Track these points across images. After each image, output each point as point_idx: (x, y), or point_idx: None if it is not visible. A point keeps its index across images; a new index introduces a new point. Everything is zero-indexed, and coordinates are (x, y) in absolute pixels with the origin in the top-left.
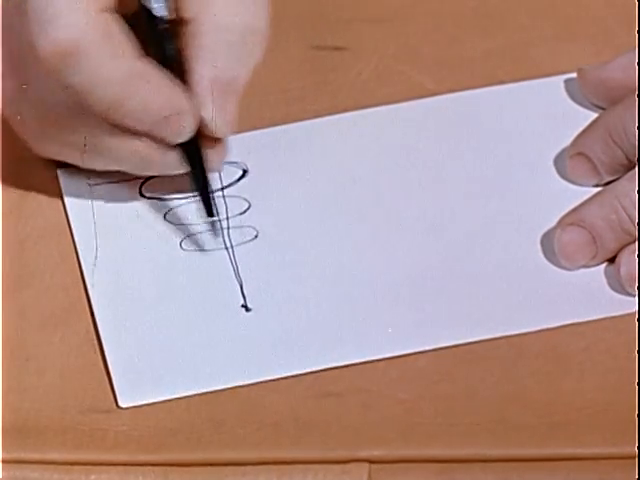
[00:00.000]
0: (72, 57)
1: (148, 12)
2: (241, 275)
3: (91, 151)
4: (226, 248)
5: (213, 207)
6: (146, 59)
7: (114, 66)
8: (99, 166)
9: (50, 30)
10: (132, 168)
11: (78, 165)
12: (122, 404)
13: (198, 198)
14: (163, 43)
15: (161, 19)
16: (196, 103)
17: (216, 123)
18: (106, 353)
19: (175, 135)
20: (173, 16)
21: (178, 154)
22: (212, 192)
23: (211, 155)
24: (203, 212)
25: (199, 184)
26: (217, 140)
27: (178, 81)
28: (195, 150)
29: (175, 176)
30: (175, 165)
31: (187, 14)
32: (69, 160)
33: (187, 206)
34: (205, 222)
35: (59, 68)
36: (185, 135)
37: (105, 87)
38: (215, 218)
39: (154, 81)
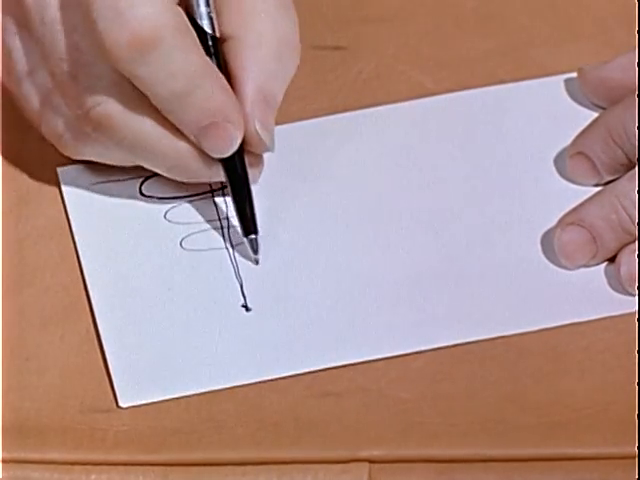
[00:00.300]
0: (148, 47)
1: (198, 27)
2: (241, 275)
3: (134, 146)
4: (226, 247)
5: (252, 224)
6: (207, 57)
7: (185, 60)
8: (135, 160)
9: (126, 20)
10: (168, 169)
11: (107, 162)
12: (122, 404)
13: (236, 214)
14: (212, 58)
15: (212, 36)
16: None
17: (264, 137)
18: (106, 353)
19: (222, 145)
20: (218, 34)
21: (220, 166)
22: (253, 208)
23: (251, 170)
24: (241, 229)
25: (241, 198)
26: (257, 155)
27: (232, 90)
28: (239, 163)
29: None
30: (214, 175)
31: (227, 31)
32: (101, 158)
33: (187, 205)
34: (245, 239)
35: (133, 58)
36: (231, 146)
37: (174, 80)
38: (253, 236)
39: (217, 82)
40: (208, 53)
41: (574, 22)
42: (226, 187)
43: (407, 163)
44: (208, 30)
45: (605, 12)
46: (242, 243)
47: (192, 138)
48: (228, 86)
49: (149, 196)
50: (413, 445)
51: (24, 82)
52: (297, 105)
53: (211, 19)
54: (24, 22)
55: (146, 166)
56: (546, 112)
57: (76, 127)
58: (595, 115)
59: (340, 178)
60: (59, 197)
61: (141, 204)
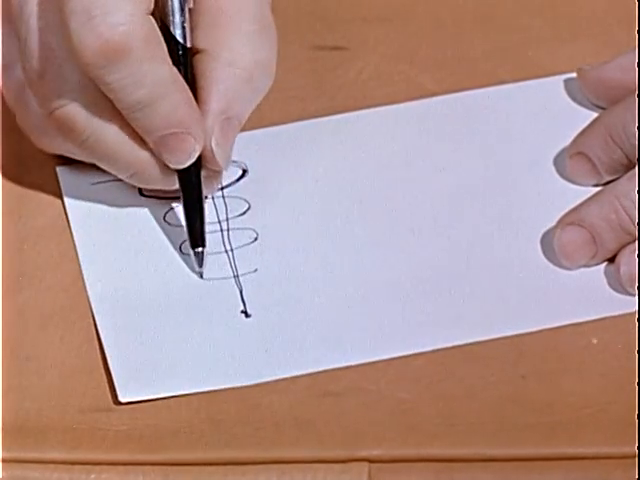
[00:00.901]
0: (117, 55)
1: (171, 36)
2: (241, 280)
3: (95, 150)
4: (226, 251)
5: (200, 237)
6: (175, 69)
7: (152, 70)
8: (96, 162)
9: (97, 25)
10: (128, 176)
11: (76, 158)
12: (122, 399)
13: (185, 226)
14: (180, 68)
15: (183, 46)
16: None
17: (219, 156)
18: (106, 351)
19: (179, 157)
20: (189, 45)
21: (176, 176)
22: (203, 222)
23: (206, 182)
24: (189, 241)
25: (192, 211)
26: (214, 174)
27: (195, 104)
28: (194, 176)
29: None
30: (170, 184)
31: (201, 44)
32: (70, 154)
33: None
34: (191, 251)
35: (101, 64)
36: (189, 158)
37: (140, 88)
38: (199, 249)
39: (183, 94)
40: (178, 63)
41: (574, 22)
42: (226, 187)
43: (407, 163)
44: (180, 39)
45: (605, 12)
46: (242, 246)
47: (152, 146)
48: (193, 99)
49: (149, 196)
50: (413, 445)
51: (3, 74)
52: (297, 105)
53: (184, 29)
54: (7, 15)
55: (107, 170)
56: (546, 112)
57: (44, 124)
58: (595, 115)
59: (340, 179)
60: (59, 197)
61: (140, 205)
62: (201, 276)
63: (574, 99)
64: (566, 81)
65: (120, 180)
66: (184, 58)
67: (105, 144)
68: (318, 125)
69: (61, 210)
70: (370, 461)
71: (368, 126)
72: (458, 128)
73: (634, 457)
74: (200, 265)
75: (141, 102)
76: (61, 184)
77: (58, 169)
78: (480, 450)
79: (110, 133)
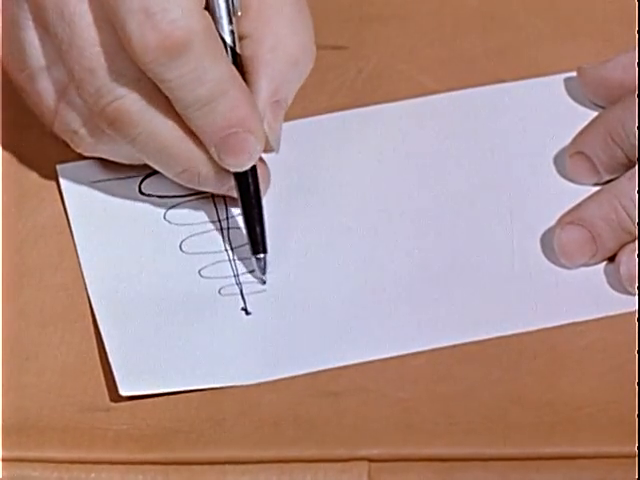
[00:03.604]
0: (178, 51)
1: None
2: (241, 278)
3: (148, 145)
4: (226, 250)
5: (262, 242)
6: (232, 65)
7: (213, 66)
8: (146, 159)
9: (157, 22)
10: (178, 173)
11: (119, 160)
12: (123, 392)
13: (245, 231)
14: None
15: (232, 48)
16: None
17: (272, 139)
18: (106, 348)
19: (240, 157)
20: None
21: (230, 179)
22: (263, 226)
23: (260, 182)
24: (250, 248)
25: (252, 216)
26: (265, 168)
27: (255, 102)
28: (252, 179)
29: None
30: (222, 188)
31: (245, 30)
32: (114, 155)
33: (187, 206)
34: (253, 258)
35: (161, 61)
36: (250, 159)
37: (200, 85)
38: (261, 255)
39: (243, 91)
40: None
41: (574, 22)
42: None
43: (407, 162)
44: (229, 43)
45: (605, 12)
46: (242, 245)
47: (211, 149)
48: (252, 97)
49: (148, 194)
50: (412, 444)
51: (39, 78)
52: (297, 105)
53: (233, 34)
54: (40, 16)
55: (156, 167)
56: (546, 111)
57: (91, 123)
58: (595, 115)
59: (339, 177)
60: (59, 197)
61: (140, 204)
62: (263, 282)
63: (574, 98)
64: (566, 80)
65: (120, 178)
66: (234, 59)
67: (159, 139)
68: (318, 123)
69: (61, 210)
70: (370, 460)
71: (368, 124)
72: (458, 127)
73: (634, 457)
74: (263, 272)
75: (201, 100)
76: (61, 182)
77: (58, 167)
78: (480, 449)
79: (165, 128)
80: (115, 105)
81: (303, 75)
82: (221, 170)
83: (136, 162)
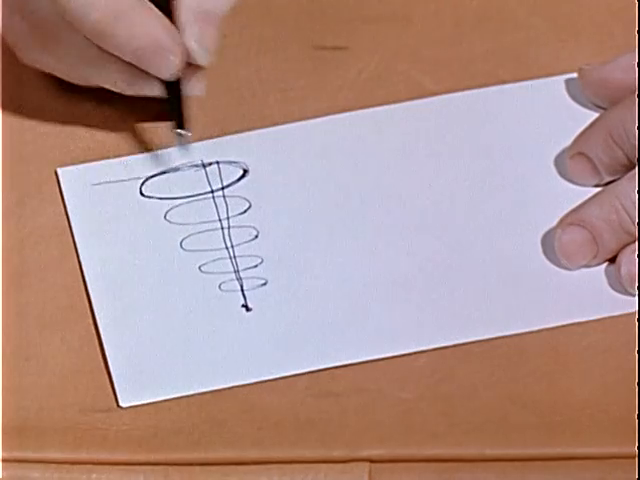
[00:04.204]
0: None
1: None
2: (241, 275)
3: (78, 64)
4: (226, 248)
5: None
6: None
7: None
8: (83, 81)
9: None
10: (114, 86)
11: (63, 77)
12: (123, 404)
13: (170, 108)
14: None
15: None
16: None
17: (196, 51)
18: (106, 353)
19: (158, 70)
20: None
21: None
22: (183, 106)
23: (192, 81)
24: (174, 124)
25: (175, 102)
26: (197, 67)
27: (167, 19)
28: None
29: (175, 171)
30: (156, 89)
31: None
32: (55, 72)
33: (187, 206)
34: (174, 132)
35: None
36: (168, 72)
37: (97, 13)
38: (182, 131)
39: (144, 14)
40: None
41: (574, 22)
42: (226, 187)
43: (407, 163)
44: None
45: (605, 12)
46: (243, 243)
47: (133, 62)
48: (159, 13)
49: (149, 197)
50: (413, 445)
51: None
52: (297, 105)
53: None
54: None
55: (98, 84)
56: (546, 112)
57: (35, 34)
58: (595, 115)
59: (340, 178)
60: (59, 197)
61: (141, 205)
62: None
63: (575, 99)
64: (567, 81)
65: (121, 181)
66: None
67: (84, 58)
68: (318, 125)
69: (61, 210)
70: (371, 461)
71: (368, 126)
72: (458, 128)
73: (634, 457)
74: (185, 149)
75: (99, 24)
76: (62, 185)
77: (59, 170)
78: (480, 450)
79: (89, 49)
80: (40, 29)
81: None
82: (148, 76)
83: (77, 81)
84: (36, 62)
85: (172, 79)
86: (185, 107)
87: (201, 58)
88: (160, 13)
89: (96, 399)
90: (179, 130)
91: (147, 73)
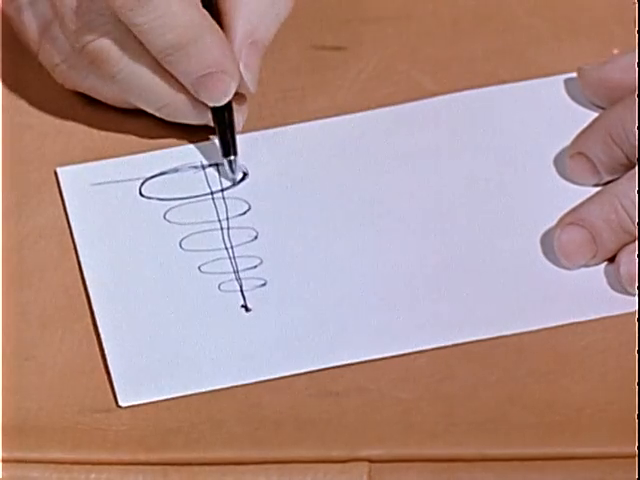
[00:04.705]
0: None
1: None
2: (241, 275)
3: (127, 83)
4: (226, 248)
5: (233, 147)
6: (204, 10)
7: (182, 12)
8: (126, 105)
9: None
10: (158, 111)
11: (106, 101)
12: (122, 403)
13: (218, 138)
14: (208, 9)
15: None
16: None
17: (247, 78)
18: (106, 353)
19: (213, 96)
20: None
21: (208, 111)
22: (234, 133)
23: (237, 115)
24: (221, 150)
25: (223, 125)
26: (242, 98)
27: (229, 45)
28: (227, 107)
29: (174, 172)
30: (202, 119)
31: None
32: (98, 96)
33: (187, 206)
34: (225, 160)
35: (130, 6)
36: (226, 96)
37: (170, 30)
38: (232, 157)
39: (215, 34)
40: (205, 4)
41: (574, 22)
42: (226, 189)
43: (407, 164)
44: None
45: (605, 12)
46: (242, 244)
47: (188, 87)
48: (225, 38)
49: (149, 197)
50: (413, 445)
51: (25, 10)
52: (297, 105)
53: None
54: None
55: (137, 104)
56: (546, 112)
57: (73, 58)
58: (595, 115)
59: (340, 180)
60: (59, 197)
61: (141, 205)
62: (234, 182)
63: (574, 99)
64: (566, 81)
65: (120, 181)
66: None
67: (138, 78)
68: (318, 127)
69: (61, 210)
70: (370, 461)
71: (368, 127)
72: (458, 128)
73: (634, 457)
74: (233, 172)
75: (173, 46)
76: (62, 185)
77: (59, 170)
78: (480, 450)
79: (143, 67)
80: (95, 44)
81: (281, 16)
82: (199, 104)
83: (120, 104)
84: (77, 84)
85: (223, 105)
86: (234, 133)
87: (250, 85)
88: (223, 35)
89: (96, 399)
90: (229, 157)
91: (196, 100)
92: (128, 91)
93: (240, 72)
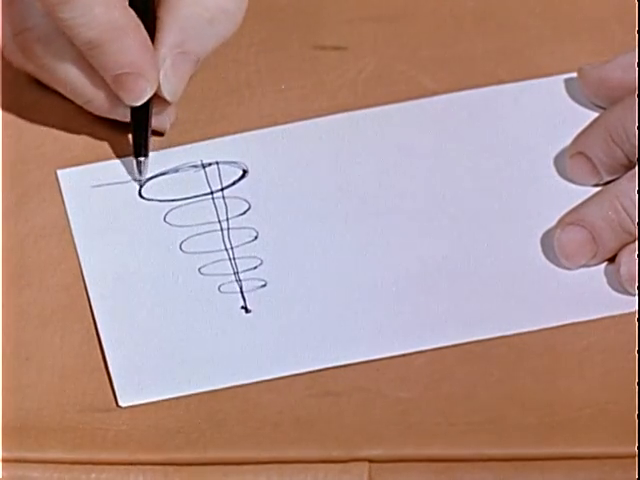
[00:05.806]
0: None
1: None
2: (241, 277)
3: (52, 75)
4: (226, 249)
5: (145, 148)
6: (131, 12)
7: (104, 12)
8: (54, 86)
9: None
10: (82, 103)
11: (40, 78)
12: (122, 403)
13: (131, 137)
14: (141, 8)
15: None
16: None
17: (165, 88)
18: (106, 353)
19: (129, 95)
20: None
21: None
22: (147, 135)
23: (160, 116)
24: (133, 150)
25: (139, 126)
26: (165, 103)
27: (152, 47)
28: (142, 110)
29: (174, 172)
30: (122, 115)
31: None
32: (35, 74)
33: (187, 208)
34: (134, 160)
35: (57, 1)
36: (141, 98)
37: (90, 28)
38: (141, 159)
39: (134, 36)
40: (141, 8)
41: (574, 22)
42: (226, 188)
43: (407, 163)
44: None
45: (605, 12)
46: (242, 244)
47: (110, 84)
48: (148, 41)
49: (149, 199)
50: (413, 445)
51: None
52: (297, 105)
53: None
54: None
55: (68, 96)
56: (546, 112)
57: (12, 43)
58: (595, 115)
59: (340, 178)
60: (59, 197)
61: (141, 207)
62: (140, 183)
63: (574, 99)
64: (566, 81)
65: (120, 183)
66: (146, 3)
67: (61, 72)
68: (318, 125)
69: (61, 210)
70: (370, 461)
71: (368, 126)
72: (458, 128)
73: (634, 457)
74: (140, 173)
75: (92, 42)
76: (62, 187)
77: (59, 172)
78: (480, 450)
79: (67, 62)
80: (24, 35)
81: (220, 35)
82: (121, 102)
83: (56, 86)
84: (19, 65)
85: (138, 105)
86: (148, 135)
87: (168, 94)
88: (148, 39)
89: (96, 399)
90: (139, 158)
91: (119, 98)
92: (57, 83)
93: (161, 80)
